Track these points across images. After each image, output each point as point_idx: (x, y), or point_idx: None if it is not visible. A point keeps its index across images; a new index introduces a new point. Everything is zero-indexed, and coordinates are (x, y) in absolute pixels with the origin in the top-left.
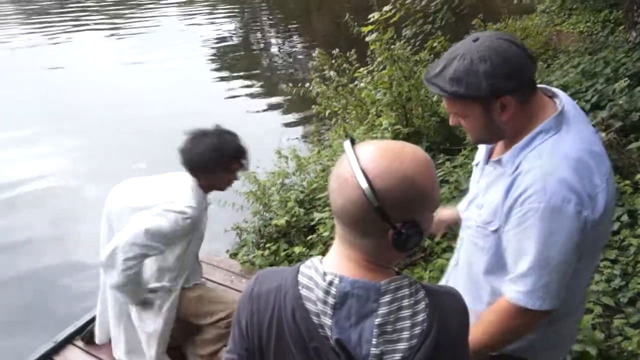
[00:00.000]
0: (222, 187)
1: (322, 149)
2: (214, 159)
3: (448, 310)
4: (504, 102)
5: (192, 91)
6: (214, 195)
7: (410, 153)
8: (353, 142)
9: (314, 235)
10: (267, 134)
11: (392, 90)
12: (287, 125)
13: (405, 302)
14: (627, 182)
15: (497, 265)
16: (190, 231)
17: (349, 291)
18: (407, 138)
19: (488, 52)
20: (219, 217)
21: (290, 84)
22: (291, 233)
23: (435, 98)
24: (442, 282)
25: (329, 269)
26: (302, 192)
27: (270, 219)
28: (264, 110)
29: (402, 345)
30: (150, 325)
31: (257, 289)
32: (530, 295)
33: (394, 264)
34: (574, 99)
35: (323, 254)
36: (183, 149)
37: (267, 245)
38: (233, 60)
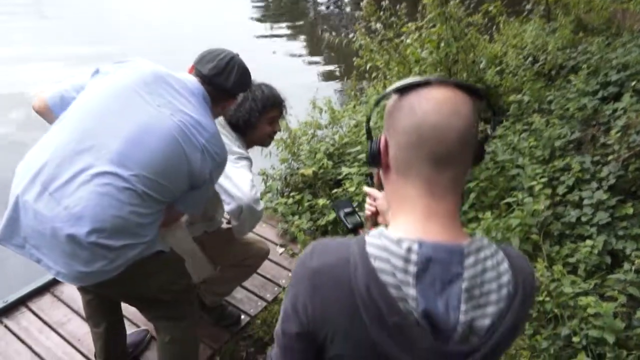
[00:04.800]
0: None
1: (358, 104)
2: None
3: (526, 271)
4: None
5: (230, 30)
6: None
7: None
8: None
9: (340, 190)
10: (303, 82)
11: (439, 50)
12: (325, 75)
13: (489, 264)
14: None
15: None
16: None
17: (431, 256)
18: None
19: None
20: None
21: (334, 33)
22: (317, 185)
23: (482, 65)
24: None
25: (402, 235)
26: (332, 145)
27: (298, 168)
28: (302, 58)
29: (491, 309)
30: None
31: (317, 264)
32: None
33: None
34: (633, 79)
35: None
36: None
37: (292, 194)
38: (277, 4)
